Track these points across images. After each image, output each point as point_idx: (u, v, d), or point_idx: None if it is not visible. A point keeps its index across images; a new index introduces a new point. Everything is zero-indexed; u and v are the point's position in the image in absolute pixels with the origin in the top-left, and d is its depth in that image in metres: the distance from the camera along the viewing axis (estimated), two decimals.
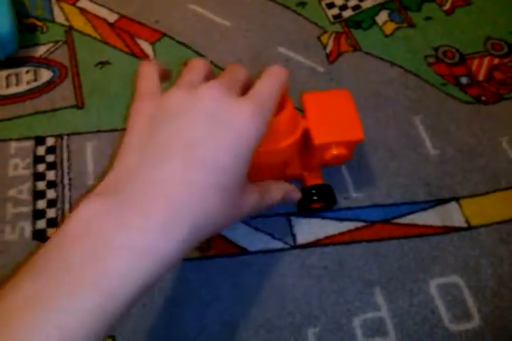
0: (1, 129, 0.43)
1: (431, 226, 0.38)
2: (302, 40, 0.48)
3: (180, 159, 0.23)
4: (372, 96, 0.44)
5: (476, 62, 0.46)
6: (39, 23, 0.50)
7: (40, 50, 0.48)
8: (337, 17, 0.50)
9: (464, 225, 0.38)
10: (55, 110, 0.44)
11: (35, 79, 0.46)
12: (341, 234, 0.38)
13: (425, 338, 0.34)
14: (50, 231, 0.38)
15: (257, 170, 0.28)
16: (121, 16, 0.50)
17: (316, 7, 0.51)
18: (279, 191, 0.31)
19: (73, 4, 0.51)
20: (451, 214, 0.38)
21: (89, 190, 0.24)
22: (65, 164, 0.41)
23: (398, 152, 0.41)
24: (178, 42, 0.48)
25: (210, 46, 0.48)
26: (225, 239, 0.37)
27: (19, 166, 0.41)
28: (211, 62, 0.46)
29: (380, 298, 0.35)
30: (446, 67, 0.46)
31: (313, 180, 0.37)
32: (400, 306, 0.35)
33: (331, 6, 0.51)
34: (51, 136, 0.43)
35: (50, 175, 0.41)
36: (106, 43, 0.48)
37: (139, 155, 0.24)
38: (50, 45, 0.48)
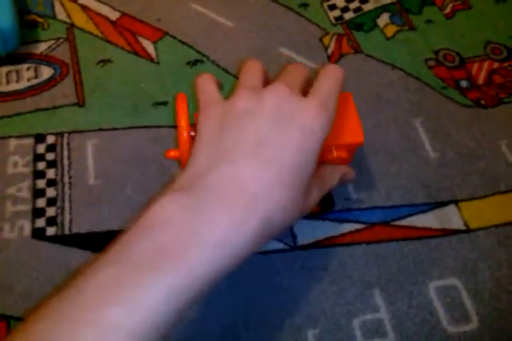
0: (0, 126, 0.43)
1: (430, 229, 0.38)
2: (304, 42, 0.48)
3: (251, 156, 0.24)
4: (373, 99, 0.45)
5: (475, 65, 0.47)
6: (40, 20, 0.49)
7: (41, 47, 0.47)
8: (338, 19, 0.50)
9: (463, 228, 0.38)
10: (55, 108, 0.44)
11: (36, 76, 0.45)
12: (341, 235, 0.38)
13: (424, 340, 0.34)
14: (49, 229, 0.38)
15: None
16: (123, 14, 0.50)
17: (318, 9, 0.51)
18: (335, 175, 0.32)
19: (75, 1, 0.51)
20: (450, 217, 0.39)
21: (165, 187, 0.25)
22: (65, 162, 0.41)
23: (398, 154, 0.41)
24: (180, 41, 0.48)
25: (213, 46, 0.48)
26: None
27: (19, 164, 0.41)
28: (213, 62, 0.46)
29: (380, 300, 0.35)
30: (446, 70, 0.46)
31: None
32: (399, 308, 0.35)
33: (332, 7, 0.51)
34: (51, 133, 0.43)
35: (50, 173, 0.41)
36: (108, 41, 0.48)
37: (211, 153, 0.25)
38: (52, 42, 0.48)
